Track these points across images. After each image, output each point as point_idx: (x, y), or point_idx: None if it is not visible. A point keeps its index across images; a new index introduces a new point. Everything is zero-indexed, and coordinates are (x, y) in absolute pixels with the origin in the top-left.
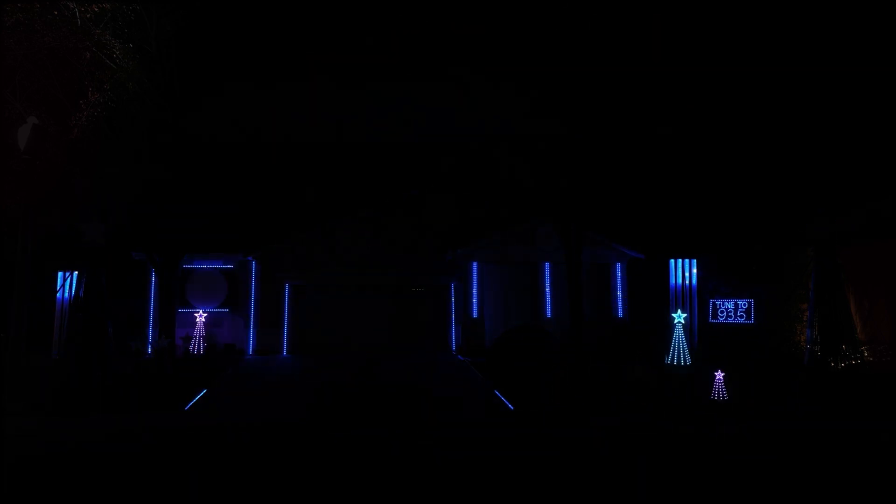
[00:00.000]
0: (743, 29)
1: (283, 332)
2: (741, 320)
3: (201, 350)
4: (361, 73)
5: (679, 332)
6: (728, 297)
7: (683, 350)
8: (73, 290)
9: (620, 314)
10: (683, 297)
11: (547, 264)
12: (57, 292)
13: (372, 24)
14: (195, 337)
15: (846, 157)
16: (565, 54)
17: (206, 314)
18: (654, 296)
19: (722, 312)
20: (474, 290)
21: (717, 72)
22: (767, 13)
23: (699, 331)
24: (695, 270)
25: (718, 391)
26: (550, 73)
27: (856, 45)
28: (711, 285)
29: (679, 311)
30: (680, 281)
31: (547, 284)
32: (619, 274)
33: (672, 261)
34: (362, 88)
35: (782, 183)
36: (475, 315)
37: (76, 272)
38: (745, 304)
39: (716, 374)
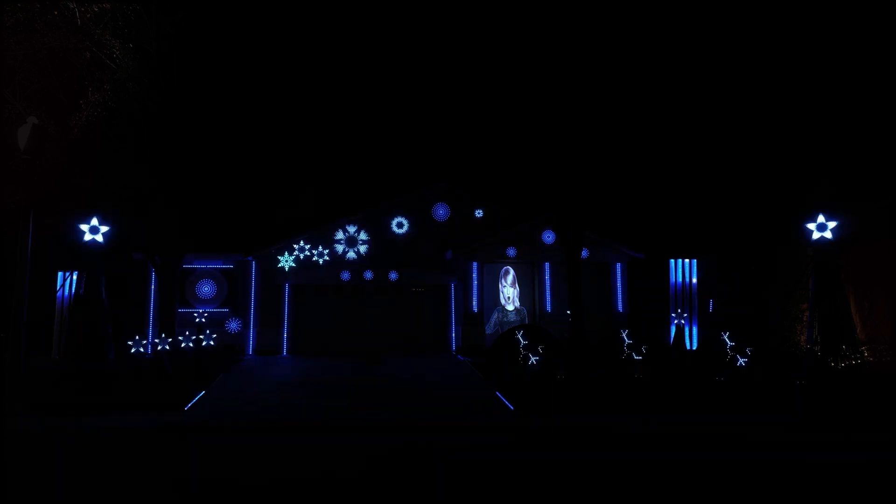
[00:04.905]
0: (746, 29)
1: (283, 333)
2: (741, 320)
3: (201, 350)
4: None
5: (679, 333)
6: (728, 296)
7: (683, 350)
8: (73, 290)
9: (621, 314)
10: (683, 297)
11: (547, 264)
12: (57, 292)
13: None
14: (195, 337)
15: (846, 158)
16: (563, 54)
17: (206, 314)
18: (654, 295)
19: (722, 312)
20: (474, 290)
21: (718, 72)
22: (770, 14)
23: (699, 331)
24: (695, 270)
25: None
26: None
27: (856, 47)
28: (711, 285)
29: (679, 310)
30: (680, 280)
31: (547, 284)
32: (619, 274)
33: (672, 260)
34: None
35: (782, 183)
36: (475, 315)
37: (76, 272)
38: (744, 304)
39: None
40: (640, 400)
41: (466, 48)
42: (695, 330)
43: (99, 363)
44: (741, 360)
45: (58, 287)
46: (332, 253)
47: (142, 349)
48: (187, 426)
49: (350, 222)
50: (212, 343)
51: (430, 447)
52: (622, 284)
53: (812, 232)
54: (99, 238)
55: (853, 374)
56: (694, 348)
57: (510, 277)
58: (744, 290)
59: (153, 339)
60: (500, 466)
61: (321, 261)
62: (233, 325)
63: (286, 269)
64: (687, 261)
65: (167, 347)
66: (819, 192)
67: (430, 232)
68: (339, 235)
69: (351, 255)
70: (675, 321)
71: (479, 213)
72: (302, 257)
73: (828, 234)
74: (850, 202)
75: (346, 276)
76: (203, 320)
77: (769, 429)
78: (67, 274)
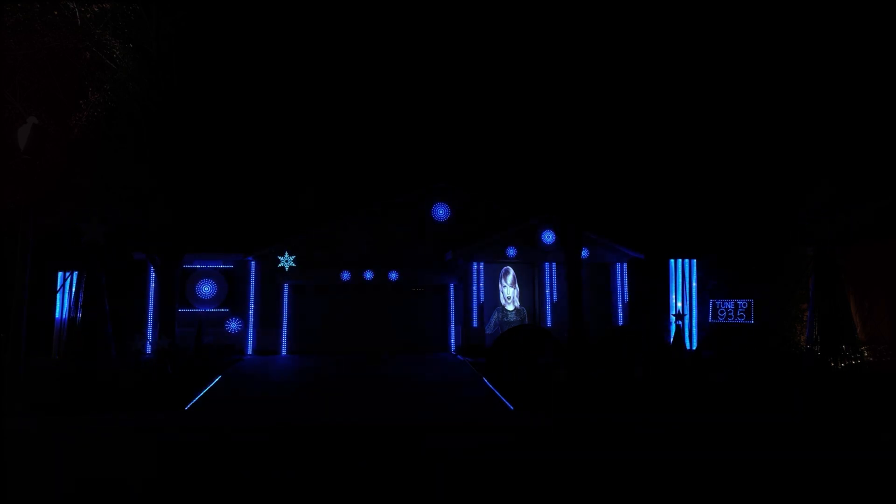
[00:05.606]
0: (746, 29)
1: (283, 332)
2: (741, 320)
3: (201, 350)
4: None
5: (679, 333)
6: (728, 297)
7: (683, 350)
8: (73, 290)
9: (620, 314)
10: (683, 297)
11: (547, 264)
12: (57, 292)
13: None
14: (195, 337)
15: (846, 157)
16: (562, 55)
17: (205, 314)
18: (654, 295)
19: (722, 312)
20: (474, 290)
21: (718, 71)
22: (769, 12)
23: (699, 331)
24: (695, 270)
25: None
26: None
27: (856, 46)
28: (711, 285)
29: (679, 310)
30: (680, 281)
31: (547, 284)
32: (619, 274)
33: (672, 261)
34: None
35: (782, 182)
36: (475, 315)
37: (76, 272)
38: (744, 304)
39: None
40: (640, 400)
41: (467, 47)
42: (695, 330)
43: (99, 363)
44: (740, 359)
45: (58, 287)
46: (332, 253)
47: (142, 349)
48: (186, 426)
49: (350, 222)
50: (212, 343)
51: (429, 447)
52: (622, 284)
53: (812, 232)
54: (99, 238)
55: (853, 374)
56: (694, 348)
57: (510, 277)
58: (744, 290)
59: (153, 339)
60: (499, 466)
61: (321, 260)
62: (232, 325)
63: (286, 268)
64: (687, 261)
65: (167, 347)
66: (819, 192)
67: (430, 232)
68: (339, 235)
69: (351, 255)
70: (675, 321)
71: (479, 213)
72: (302, 257)
73: (827, 234)
74: (851, 202)
75: (345, 276)
76: (203, 320)
77: (769, 429)
78: (67, 274)
